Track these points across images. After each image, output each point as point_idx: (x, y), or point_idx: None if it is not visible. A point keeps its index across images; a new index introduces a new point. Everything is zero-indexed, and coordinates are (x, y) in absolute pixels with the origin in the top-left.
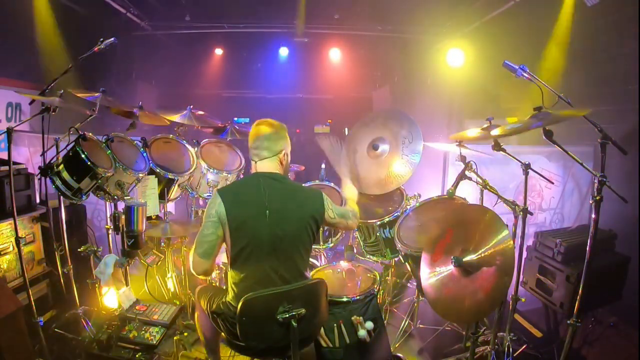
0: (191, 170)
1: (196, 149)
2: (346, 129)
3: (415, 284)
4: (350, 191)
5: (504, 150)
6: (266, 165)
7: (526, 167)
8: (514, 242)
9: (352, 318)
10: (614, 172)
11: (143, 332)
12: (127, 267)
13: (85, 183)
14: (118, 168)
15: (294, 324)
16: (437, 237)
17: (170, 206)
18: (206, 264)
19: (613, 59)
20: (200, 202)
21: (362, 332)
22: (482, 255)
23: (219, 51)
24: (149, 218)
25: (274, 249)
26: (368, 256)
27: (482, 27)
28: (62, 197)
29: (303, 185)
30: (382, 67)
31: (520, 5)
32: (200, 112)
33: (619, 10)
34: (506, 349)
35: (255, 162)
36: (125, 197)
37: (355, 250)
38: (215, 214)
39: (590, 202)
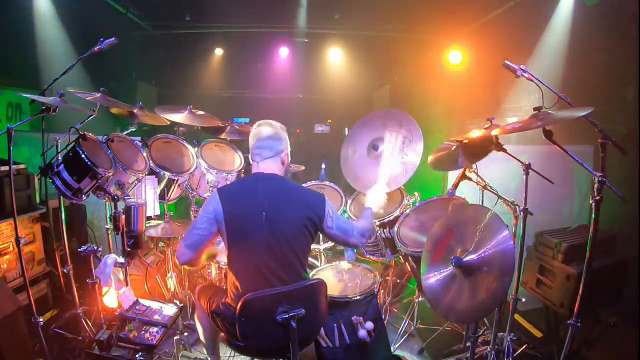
0: (191, 170)
1: (196, 149)
2: (346, 129)
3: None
4: (372, 201)
5: (504, 150)
6: (268, 165)
7: (526, 167)
8: (514, 242)
9: (352, 318)
10: (614, 172)
11: (143, 332)
12: (127, 267)
13: (85, 183)
14: (118, 168)
15: (294, 324)
16: (437, 237)
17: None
18: (190, 255)
19: (613, 59)
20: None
21: (362, 332)
22: (482, 255)
23: (219, 51)
24: (149, 218)
25: (270, 250)
26: (368, 256)
27: (482, 27)
28: (62, 197)
29: (305, 187)
30: (382, 67)
31: (520, 5)
32: (200, 112)
33: (619, 10)
34: (506, 349)
35: (257, 163)
36: (125, 197)
37: (355, 250)
38: (212, 210)
39: (590, 202)
